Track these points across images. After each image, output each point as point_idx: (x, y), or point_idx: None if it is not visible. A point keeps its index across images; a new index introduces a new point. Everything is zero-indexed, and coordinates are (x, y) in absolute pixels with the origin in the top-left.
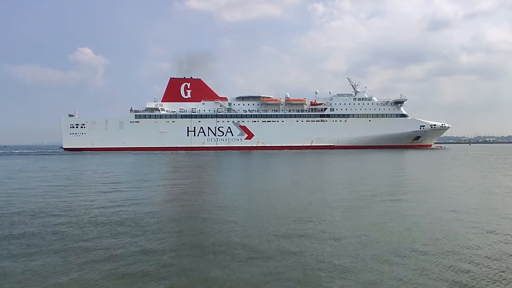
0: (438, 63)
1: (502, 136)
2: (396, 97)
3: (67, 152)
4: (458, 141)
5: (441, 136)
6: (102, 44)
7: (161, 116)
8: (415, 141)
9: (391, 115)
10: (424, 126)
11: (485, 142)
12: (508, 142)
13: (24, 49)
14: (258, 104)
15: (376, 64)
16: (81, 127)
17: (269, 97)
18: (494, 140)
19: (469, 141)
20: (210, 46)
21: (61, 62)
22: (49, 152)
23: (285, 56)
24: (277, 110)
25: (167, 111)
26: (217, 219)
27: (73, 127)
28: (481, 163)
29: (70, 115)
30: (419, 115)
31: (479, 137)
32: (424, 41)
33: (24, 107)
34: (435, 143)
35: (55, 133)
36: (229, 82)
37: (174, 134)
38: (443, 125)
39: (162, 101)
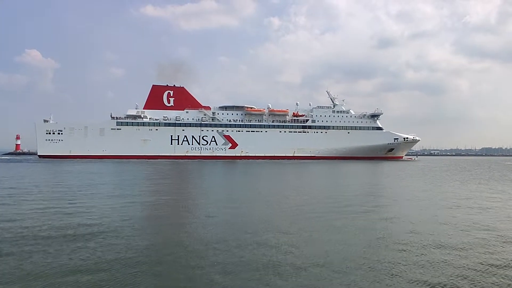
0: (386, 79)
1: (445, 149)
2: (370, 110)
3: (41, 159)
4: (406, 153)
5: None
6: (52, 46)
7: (144, 124)
8: (389, 153)
9: (368, 128)
10: (397, 138)
11: (431, 154)
12: (451, 155)
13: None
14: (242, 114)
15: (329, 78)
16: (58, 133)
17: (252, 107)
18: (438, 152)
19: (416, 154)
20: (166, 53)
21: (5, 63)
22: None
23: (242, 66)
24: (260, 120)
25: (150, 118)
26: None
27: (49, 133)
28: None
29: (45, 121)
30: None
31: (424, 150)
32: (374, 57)
33: None
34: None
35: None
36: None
37: (158, 142)
38: (414, 138)
39: (144, 108)
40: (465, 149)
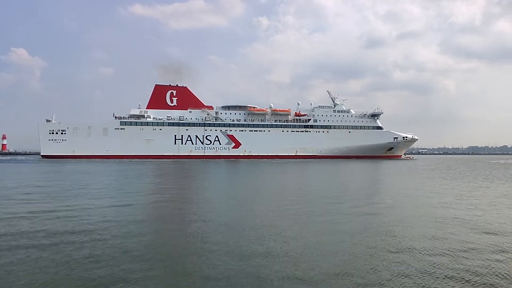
0: (375, 78)
1: (433, 148)
2: (370, 110)
3: (45, 159)
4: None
5: None
6: (39, 45)
7: (147, 124)
8: (388, 152)
9: (368, 127)
10: (397, 138)
11: (419, 153)
12: (439, 154)
13: None
14: (244, 114)
15: (318, 77)
16: (61, 133)
17: (255, 107)
18: (426, 151)
19: (405, 153)
20: (157, 53)
21: None
22: None
23: (232, 66)
24: (263, 120)
25: (153, 118)
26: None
27: (52, 133)
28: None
29: (48, 120)
30: None
31: (413, 148)
32: (362, 57)
33: None
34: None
35: None
36: None
37: (161, 142)
38: (413, 137)
39: (146, 108)
40: (453, 148)
